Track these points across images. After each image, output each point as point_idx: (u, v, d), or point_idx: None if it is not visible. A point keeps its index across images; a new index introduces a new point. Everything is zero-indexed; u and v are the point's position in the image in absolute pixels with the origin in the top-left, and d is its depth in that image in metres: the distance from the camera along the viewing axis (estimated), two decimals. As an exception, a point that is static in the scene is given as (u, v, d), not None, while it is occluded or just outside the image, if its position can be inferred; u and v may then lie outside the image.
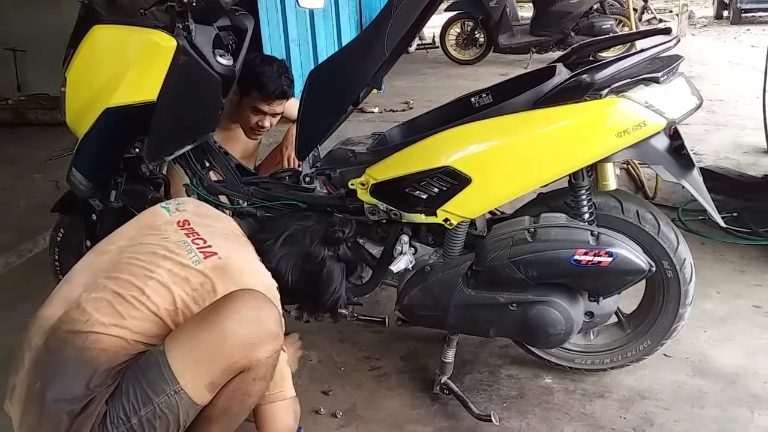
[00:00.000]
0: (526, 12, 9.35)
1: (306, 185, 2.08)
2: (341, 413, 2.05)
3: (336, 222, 1.87)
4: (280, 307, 1.62)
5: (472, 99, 2.09)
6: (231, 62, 2.03)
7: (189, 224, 1.67)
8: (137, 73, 1.86)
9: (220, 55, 1.98)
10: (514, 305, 1.86)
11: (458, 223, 1.89)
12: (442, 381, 2.05)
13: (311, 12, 5.93)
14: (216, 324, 1.42)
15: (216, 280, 1.55)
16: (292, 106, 2.75)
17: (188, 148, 2.10)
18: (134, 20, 1.88)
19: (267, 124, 2.71)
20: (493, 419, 1.89)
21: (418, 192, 1.85)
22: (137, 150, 2.08)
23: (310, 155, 2.06)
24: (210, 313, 1.46)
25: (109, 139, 2.00)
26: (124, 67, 1.88)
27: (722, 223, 1.94)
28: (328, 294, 1.83)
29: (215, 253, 1.59)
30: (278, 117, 2.76)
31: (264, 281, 1.64)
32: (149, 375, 1.41)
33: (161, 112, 1.90)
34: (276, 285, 1.67)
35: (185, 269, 1.55)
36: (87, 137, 1.98)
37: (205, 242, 1.62)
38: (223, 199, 2.17)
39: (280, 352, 1.52)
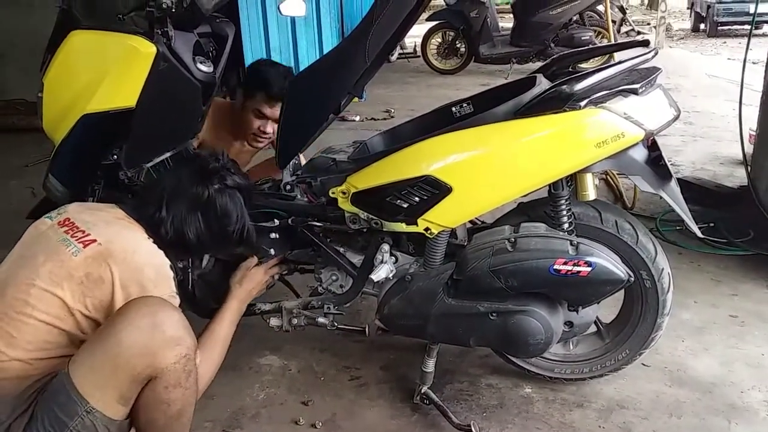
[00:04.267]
0: (506, 23, 9.43)
1: (286, 193, 2.07)
2: (321, 424, 2.03)
3: (207, 156, 1.80)
4: (174, 289, 1.59)
5: (453, 108, 2.10)
6: (211, 69, 2.01)
7: (69, 221, 1.60)
8: (115, 79, 1.84)
9: (201, 62, 1.96)
10: (494, 315, 1.86)
11: (439, 233, 1.89)
12: (423, 391, 2.04)
13: (292, 20, 5.92)
14: (111, 337, 1.39)
15: (100, 267, 1.49)
16: None
17: (167, 155, 2.08)
18: (113, 26, 1.86)
19: (269, 129, 2.66)
20: (473, 429, 1.89)
21: (399, 201, 1.85)
22: (115, 157, 2.05)
23: (291, 163, 2.05)
24: (106, 327, 1.43)
25: (86, 145, 1.97)
26: (102, 72, 1.85)
27: (699, 234, 1.96)
28: (231, 226, 1.75)
29: (94, 240, 1.53)
30: None
31: (152, 259, 1.59)
32: (59, 399, 1.39)
33: (140, 119, 1.88)
34: (168, 263, 1.61)
35: (65, 266, 1.49)
36: (64, 143, 1.95)
37: (84, 233, 1.55)
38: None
39: (190, 356, 1.47)
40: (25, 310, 1.45)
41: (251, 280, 2.00)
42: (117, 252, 1.53)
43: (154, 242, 1.63)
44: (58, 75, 1.93)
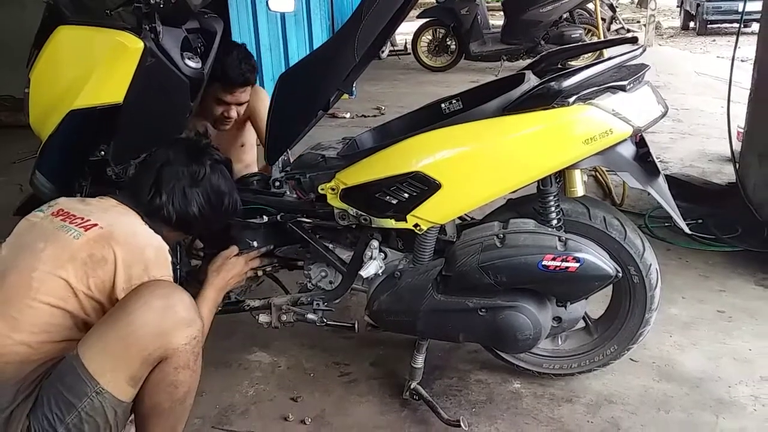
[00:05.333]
0: (497, 20, 9.45)
1: (275, 190, 2.06)
2: (310, 420, 2.03)
3: (193, 136, 1.87)
4: (171, 273, 1.63)
5: (443, 105, 2.10)
6: (199, 65, 2.00)
7: (64, 211, 1.62)
8: (103, 74, 1.83)
9: (189, 58, 1.95)
10: (483, 310, 1.87)
11: (428, 229, 1.89)
12: (412, 386, 2.05)
13: (282, 16, 5.90)
14: (124, 318, 1.40)
15: (103, 248, 1.51)
16: (263, 99, 2.72)
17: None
18: (100, 21, 1.85)
19: (233, 113, 2.62)
20: (462, 424, 1.89)
21: (388, 197, 1.85)
22: (103, 153, 2.04)
23: (280, 159, 2.05)
24: (118, 308, 1.44)
25: (73, 141, 1.95)
26: (89, 68, 1.84)
27: (687, 230, 1.97)
28: (226, 200, 1.83)
29: (96, 224, 1.56)
30: (245, 106, 2.68)
31: (152, 241, 1.62)
32: (67, 381, 1.39)
33: (127, 115, 1.87)
34: (167, 247, 1.64)
35: (67, 249, 1.51)
36: (51, 139, 1.93)
37: (83, 219, 1.58)
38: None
39: (199, 338, 1.50)
40: (29, 293, 1.46)
41: (230, 270, 1.99)
42: (119, 234, 1.55)
43: (150, 227, 1.66)
44: (44, 70, 1.91)
